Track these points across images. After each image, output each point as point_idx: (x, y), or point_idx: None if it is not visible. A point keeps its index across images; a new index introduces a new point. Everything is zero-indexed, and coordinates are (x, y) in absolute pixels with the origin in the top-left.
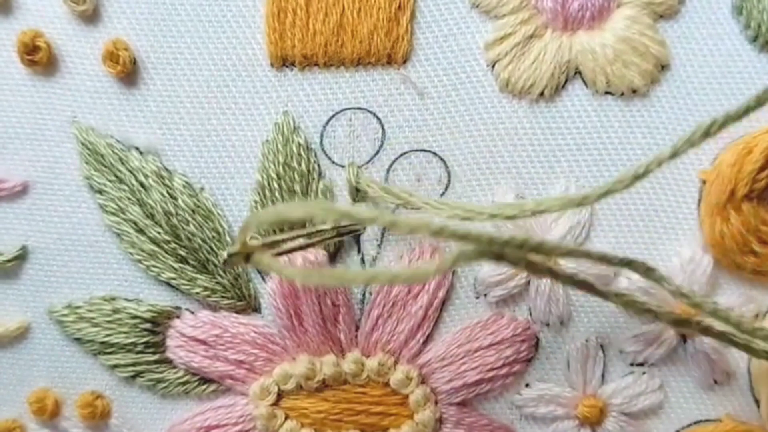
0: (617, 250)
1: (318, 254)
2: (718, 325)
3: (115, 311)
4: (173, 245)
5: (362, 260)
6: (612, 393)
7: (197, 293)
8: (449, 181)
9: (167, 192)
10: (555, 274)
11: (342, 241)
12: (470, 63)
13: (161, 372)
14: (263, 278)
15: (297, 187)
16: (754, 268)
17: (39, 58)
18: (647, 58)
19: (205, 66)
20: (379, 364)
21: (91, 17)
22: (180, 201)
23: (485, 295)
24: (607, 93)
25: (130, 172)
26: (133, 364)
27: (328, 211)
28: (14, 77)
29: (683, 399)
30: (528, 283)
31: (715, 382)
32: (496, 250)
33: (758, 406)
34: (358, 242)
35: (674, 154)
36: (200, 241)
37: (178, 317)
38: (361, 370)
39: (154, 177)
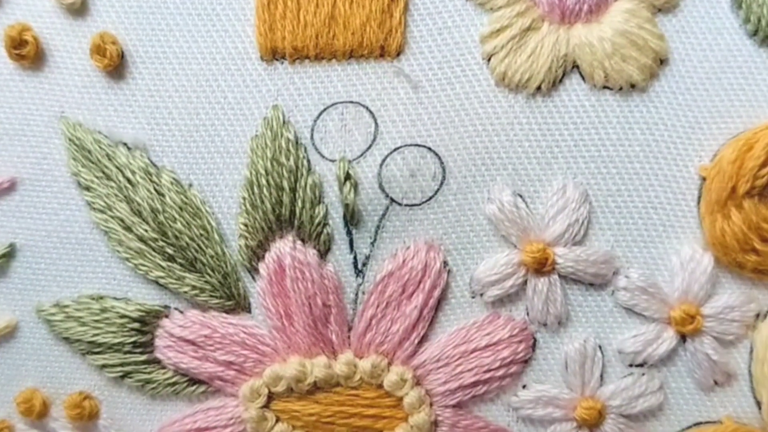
0: (616, 249)
1: (308, 253)
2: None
3: (103, 310)
4: (161, 243)
5: (355, 259)
6: (611, 394)
7: (185, 292)
8: (444, 176)
9: (154, 189)
10: None
11: (333, 239)
12: (465, 56)
13: (150, 372)
14: (253, 277)
15: (285, 183)
16: (756, 266)
17: (26, 52)
18: (646, 53)
19: (194, 59)
20: (372, 366)
21: (78, 10)
22: (167, 198)
23: (481, 294)
24: (605, 87)
25: (118, 168)
26: (122, 365)
27: None
28: (1, 72)
29: (683, 400)
30: (525, 282)
31: (716, 383)
32: None
33: (759, 408)
34: (350, 240)
35: None
36: (188, 239)
37: (166, 317)
38: (353, 371)
39: (142, 173)
